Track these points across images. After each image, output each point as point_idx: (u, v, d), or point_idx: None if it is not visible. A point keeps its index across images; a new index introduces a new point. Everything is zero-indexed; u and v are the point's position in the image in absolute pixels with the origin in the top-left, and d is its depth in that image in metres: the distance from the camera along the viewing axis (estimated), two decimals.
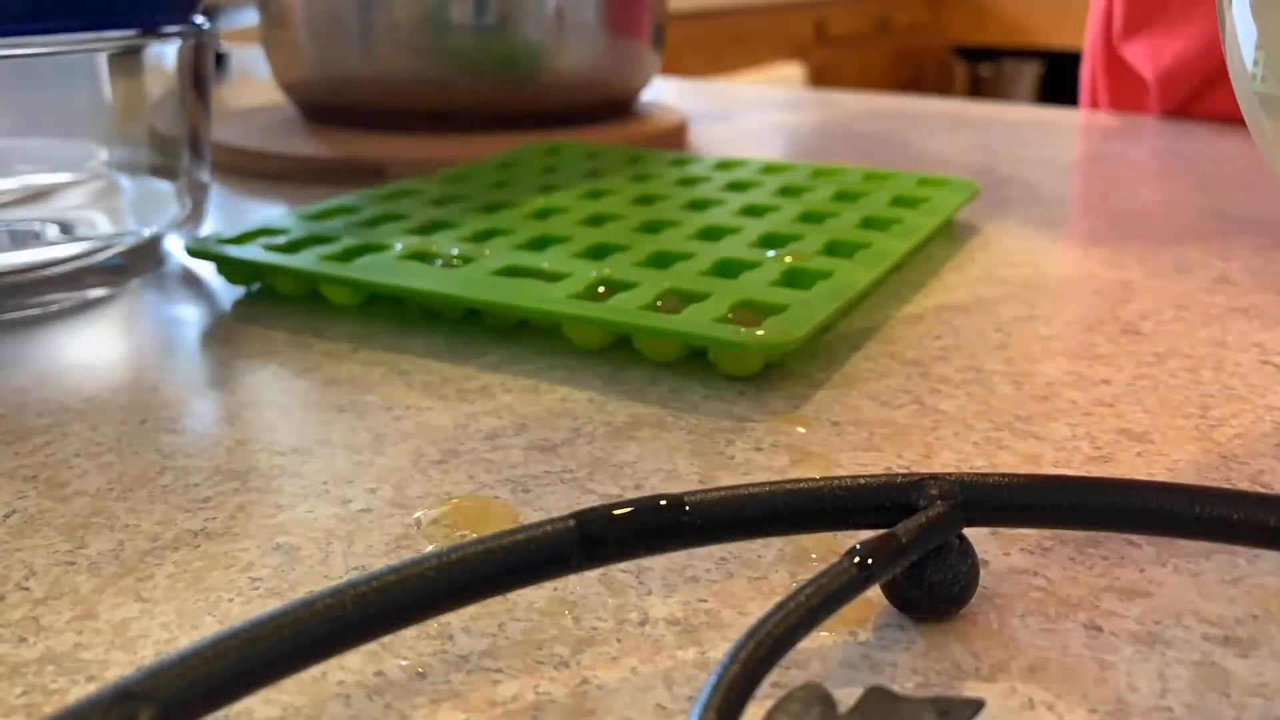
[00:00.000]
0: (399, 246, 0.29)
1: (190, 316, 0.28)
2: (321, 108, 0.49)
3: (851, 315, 0.27)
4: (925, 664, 0.14)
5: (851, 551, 0.14)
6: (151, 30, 0.30)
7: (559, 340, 0.25)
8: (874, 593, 0.15)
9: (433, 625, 0.15)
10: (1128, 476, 0.17)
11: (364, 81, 0.47)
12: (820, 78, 2.48)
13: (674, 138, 0.49)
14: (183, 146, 0.32)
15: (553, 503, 0.18)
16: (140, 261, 0.31)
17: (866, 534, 0.14)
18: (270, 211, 0.39)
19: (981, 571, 0.15)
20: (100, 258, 0.29)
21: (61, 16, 0.27)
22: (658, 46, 0.52)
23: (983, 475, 0.15)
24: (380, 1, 0.45)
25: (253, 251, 0.28)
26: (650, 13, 0.51)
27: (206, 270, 0.31)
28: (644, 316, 0.23)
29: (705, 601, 0.16)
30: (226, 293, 0.30)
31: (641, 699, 0.14)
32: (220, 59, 0.80)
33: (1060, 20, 2.73)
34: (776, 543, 0.17)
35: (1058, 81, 2.70)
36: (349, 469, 0.20)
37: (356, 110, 0.47)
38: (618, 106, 0.52)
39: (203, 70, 0.32)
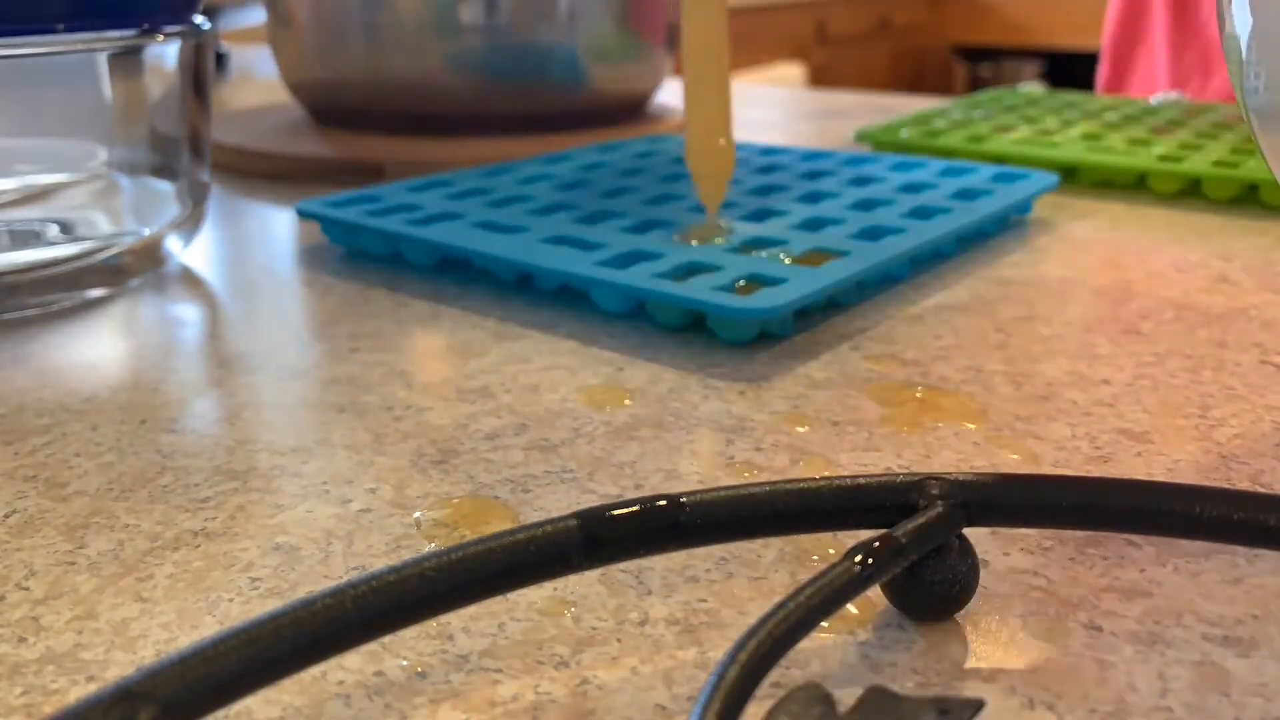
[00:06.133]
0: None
1: (190, 316, 0.28)
2: (328, 109, 0.49)
3: (851, 315, 0.27)
4: (925, 664, 0.14)
5: (851, 551, 0.14)
6: (151, 30, 0.30)
7: (559, 340, 0.25)
8: (874, 593, 0.15)
9: (433, 625, 0.15)
10: (1128, 476, 0.17)
11: (371, 84, 0.46)
12: (820, 78, 2.48)
13: None
14: (183, 146, 0.32)
15: (553, 503, 0.18)
16: (140, 261, 0.31)
17: (866, 534, 0.14)
18: (270, 211, 0.39)
19: (981, 571, 0.15)
20: (100, 258, 0.29)
21: (61, 17, 0.27)
22: (671, 47, 0.52)
23: (983, 475, 0.15)
24: (388, 3, 0.45)
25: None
26: (664, 13, 0.51)
27: (206, 270, 0.31)
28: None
29: (705, 601, 0.16)
30: (225, 292, 0.30)
31: (641, 699, 0.14)
32: (220, 59, 0.80)
33: (1060, 20, 2.73)
34: (776, 543, 0.17)
35: (1058, 81, 2.70)
36: (349, 469, 0.20)
37: (363, 112, 0.47)
38: (631, 108, 0.51)
39: (203, 70, 0.32)
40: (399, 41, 0.45)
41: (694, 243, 0.29)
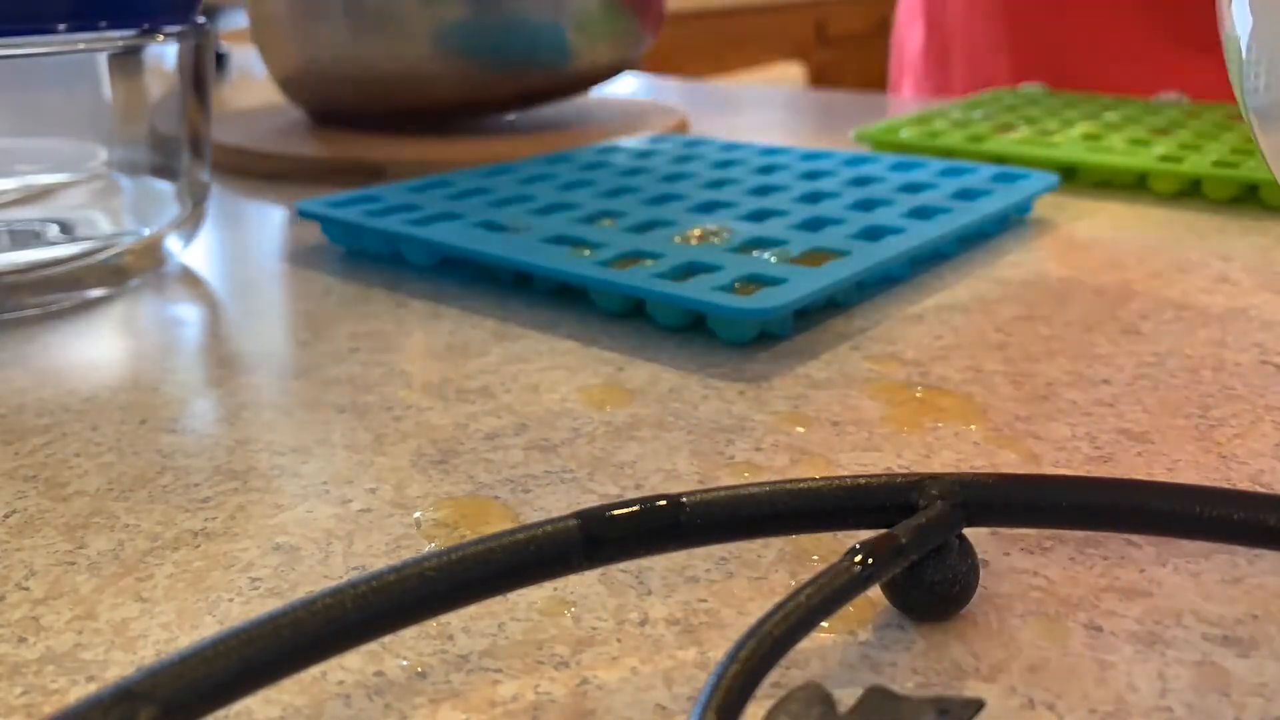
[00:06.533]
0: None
1: (190, 316, 0.28)
2: (319, 103, 0.48)
3: (851, 315, 0.27)
4: (925, 664, 0.14)
5: (851, 551, 0.14)
6: (151, 30, 0.30)
7: (559, 340, 0.25)
8: (874, 593, 0.15)
9: (433, 625, 0.15)
10: (1128, 476, 0.17)
11: (357, 73, 0.45)
12: (820, 78, 2.48)
13: None
14: (183, 146, 0.32)
15: (553, 503, 0.18)
16: (140, 261, 0.31)
17: (866, 534, 0.14)
18: (270, 211, 0.39)
19: (981, 571, 0.15)
20: (100, 258, 0.29)
21: (61, 17, 0.27)
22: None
23: (983, 475, 0.15)
24: None
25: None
26: None
27: (206, 270, 0.31)
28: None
29: (705, 601, 0.16)
30: (225, 292, 0.30)
31: (641, 699, 0.14)
32: (220, 59, 0.80)
33: None
34: (776, 543, 0.17)
35: None
36: (349, 469, 0.20)
37: (353, 105, 0.47)
38: (614, 76, 0.50)
39: (203, 70, 0.32)
40: (380, 24, 0.45)
41: None
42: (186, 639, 0.15)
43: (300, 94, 0.49)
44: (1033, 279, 0.30)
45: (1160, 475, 0.19)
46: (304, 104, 0.50)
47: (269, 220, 0.38)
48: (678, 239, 0.29)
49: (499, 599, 0.16)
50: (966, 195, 0.33)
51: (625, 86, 0.68)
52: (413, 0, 0.44)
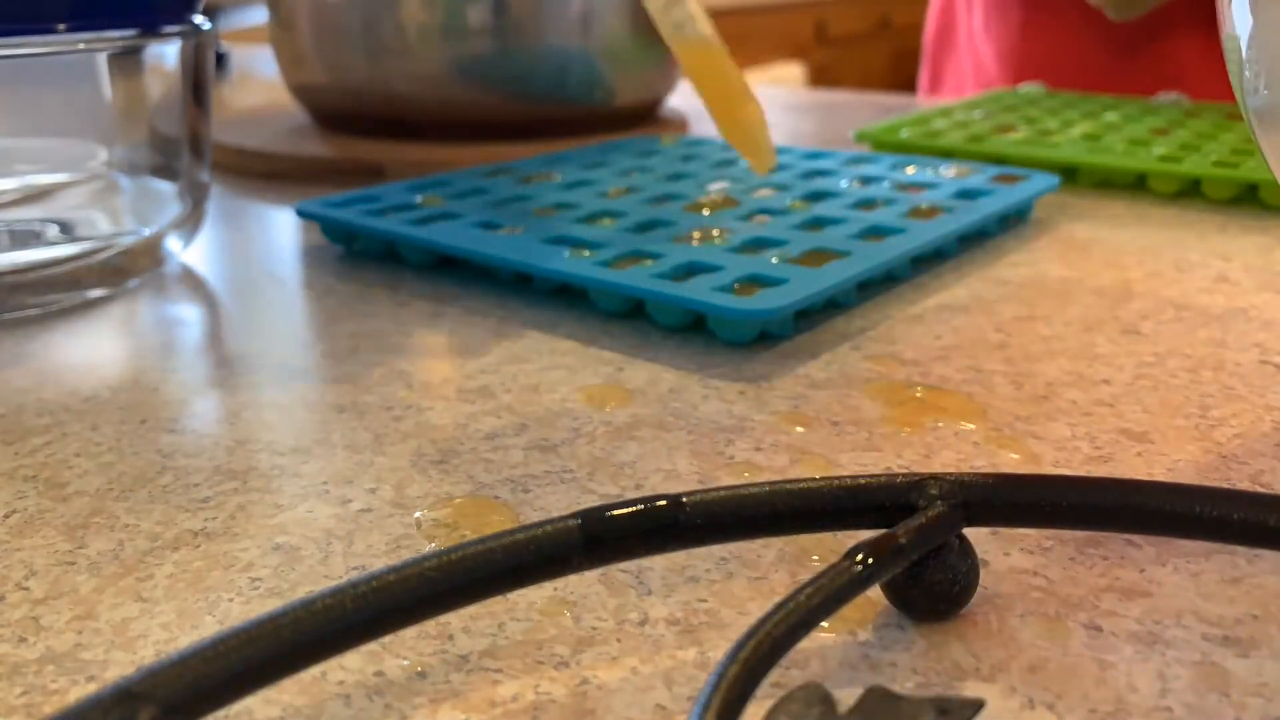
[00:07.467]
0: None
1: (190, 316, 0.28)
2: (331, 113, 0.48)
3: (851, 315, 0.27)
4: (925, 664, 0.14)
5: (851, 551, 0.14)
6: (151, 30, 0.30)
7: (559, 340, 0.25)
8: (874, 593, 0.15)
9: (433, 625, 0.15)
10: (1128, 476, 0.17)
11: (375, 90, 0.46)
12: (820, 78, 2.48)
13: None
14: (183, 146, 0.32)
15: (553, 503, 0.18)
16: (140, 261, 0.31)
17: (866, 534, 0.14)
18: (270, 211, 0.39)
19: (981, 571, 0.15)
20: (100, 258, 0.29)
21: (61, 17, 0.27)
22: None
23: (983, 475, 0.15)
24: (390, 6, 0.44)
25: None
26: None
27: (206, 270, 0.31)
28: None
29: (705, 601, 0.16)
30: (225, 292, 0.30)
31: (641, 699, 0.14)
32: (220, 59, 0.80)
33: None
34: (776, 543, 0.17)
35: None
36: (349, 469, 0.20)
37: (368, 118, 0.47)
38: (644, 113, 0.51)
39: (203, 70, 0.32)
40: (402, 47, 0.45)
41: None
42: (186, 639, 0.15)
43: (313, 102, 0.49)
44: (1033, 279, 0.30)
45: (1160, 475, 0.19)
46: (315, 111, 0.49)
47: (269, 220, 0.38)
48: (678, 239, 0.29)
49: (499, 599, 0.16)
50: (967, 195, 0.33)
51: None
52: (435, 21, 0.44)
